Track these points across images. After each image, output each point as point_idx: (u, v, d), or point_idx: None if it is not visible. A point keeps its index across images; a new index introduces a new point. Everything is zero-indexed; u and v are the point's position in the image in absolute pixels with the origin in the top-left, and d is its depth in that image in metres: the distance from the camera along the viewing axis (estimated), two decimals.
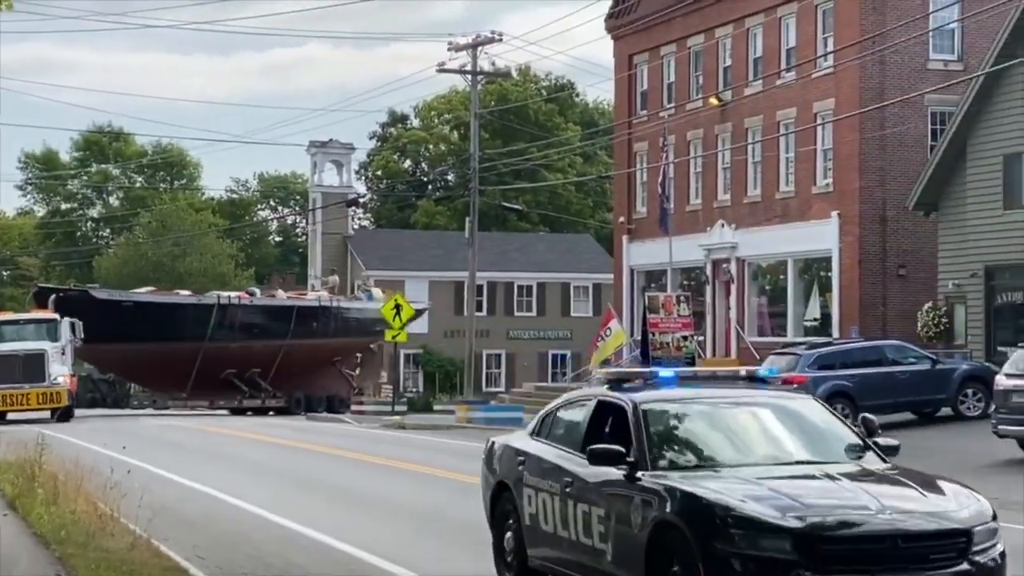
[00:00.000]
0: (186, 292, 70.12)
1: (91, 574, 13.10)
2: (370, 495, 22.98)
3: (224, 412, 61.86)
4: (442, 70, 59.39)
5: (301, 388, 65.00)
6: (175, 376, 61.26)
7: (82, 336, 51.69)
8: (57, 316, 51.76)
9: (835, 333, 43.66)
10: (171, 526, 17.36)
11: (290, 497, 22.49)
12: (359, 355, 71.26)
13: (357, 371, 71.45)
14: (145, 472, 25.00)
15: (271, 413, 62.19)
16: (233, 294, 68.89)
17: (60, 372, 49.06)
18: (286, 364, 64.36)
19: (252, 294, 69.21)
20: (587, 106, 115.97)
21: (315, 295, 71.55)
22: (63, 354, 50.08)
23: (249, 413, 61.55)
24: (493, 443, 14.84)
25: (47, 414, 48.50)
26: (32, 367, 48.46)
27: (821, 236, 45.26)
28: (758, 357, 42.96)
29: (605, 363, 50.32)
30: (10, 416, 47.98)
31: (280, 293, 71.18)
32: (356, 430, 45.60)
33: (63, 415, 48.36)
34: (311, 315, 66.72)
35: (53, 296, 56.45)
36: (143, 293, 66.45)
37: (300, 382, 65.08)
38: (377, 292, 70.14)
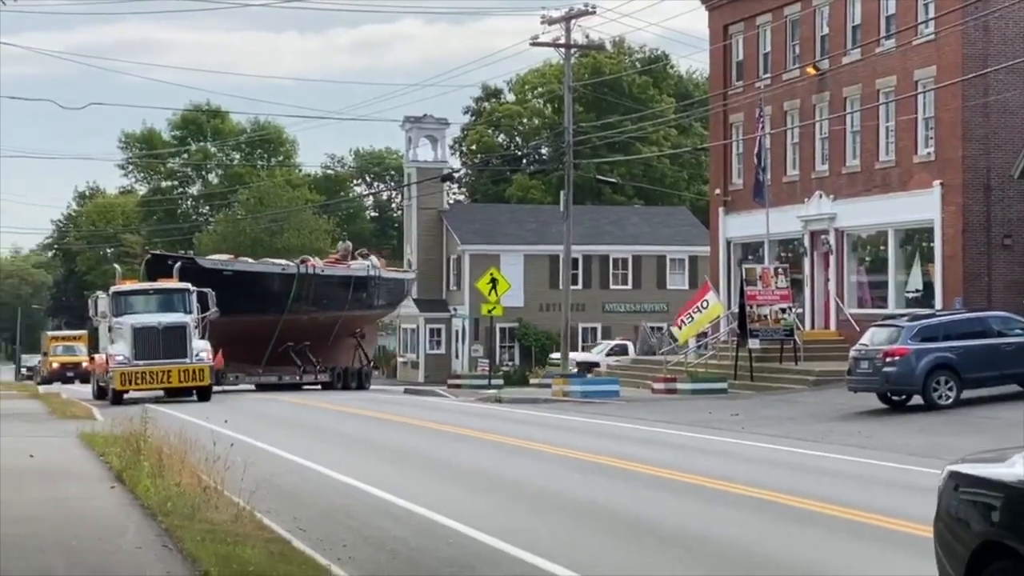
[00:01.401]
0: (272, 261, 65.05)
1: (197, 546, 13.22)
2: (468, 468, 23.01)
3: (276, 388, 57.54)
4: (535, 44, 59.25)
5: (340, 361, 61.58)
6: (255, 349, 56.69)
7: (216, 308, 47.56)
8: (189, 285, 47.58)
9: (937, 304, 43.07)
10: (273, 498, 17.50)
11: (388, 470, 22.60)
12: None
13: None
14: (246, 445, 25.25)
15: (318, 387, 58.66)
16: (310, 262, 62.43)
17: (202, 347, 45.24)
18: (337, 336, 61.31)
19: (304, 261, 63.09)
20: (681, 77, 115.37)
21: (363, 263, 65.67)
22: (198, 327, 46.29)
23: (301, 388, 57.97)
24: (959, 473, 8.92)
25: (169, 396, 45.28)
26: (173, 341, 44.45)
27: (923, 206, 44.64)
28: (858, 329, 42.52)
29: (702, 335, 50.16)
30: (131, 395, 44.21)
31: (315, 261, 63.99)
32: (453, 403, 45.77)
33: (204, 394, 44.68)
34: (363, 285, 63.12)
35: (178, 264, 51.52)
36: (237, 261, 60.69)
37: (339, 355, 62.03)
38: (374, 259, 66.62)
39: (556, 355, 65.88)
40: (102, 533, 14.53)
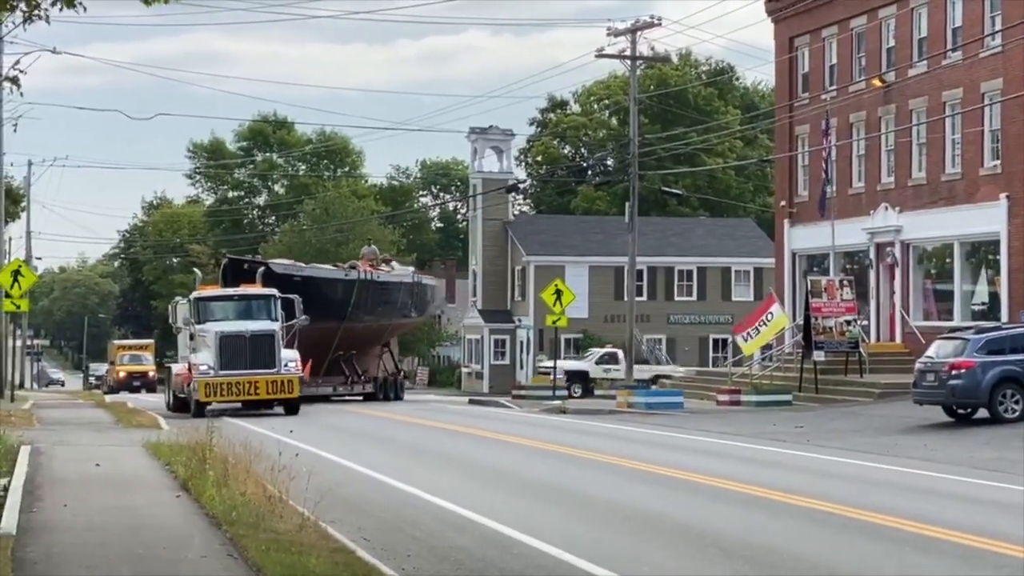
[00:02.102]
0: (330, 266, 60.82)
1: (261, 555, 13.34)
2: (533, 479, 23.01)
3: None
4: (601, 55, 59.25)
5: (371, 371, 58.15)
6: (316, 359, 50.47)
7: (304, 316, 44.57)
8: (275, 291, 44.51)
9: (1003, 317, 42.75)
10: (337, 508, 17.60)
11: (452, 480, 22.66)
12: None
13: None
14: (311, 455, 25.40)
15: (360, 399, 55.54)
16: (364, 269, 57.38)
17: (290, 357, 42.26)
18: (377, 344, 58.56)
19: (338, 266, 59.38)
20: (747, 89, 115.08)
21: (406, 270, 62.67)
22: (285, 336, 43.44)
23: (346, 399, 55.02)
24: None
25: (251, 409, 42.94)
26: (260, 350, 41.72)
27: (989, 218, 44.35)
28: (923, 342, 42.27)
29: (767, 348, 49.97)
30: (214, 406, 42.25)
31: (368, 266, 58.48)
32: (517, 414, 45.83)
33: (291, 408, 41.88)
34: (409, 292, 59.47)
35: (261, 269, 49.08)
36: (307, 267, 57.42)
37: (370, 364, 58.61)
38: (396, 265, 63.36)
39: (548, 363, 65.20)
40: (168, 542, 14.68)
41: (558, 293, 53.81)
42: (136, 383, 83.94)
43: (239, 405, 42.96)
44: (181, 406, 43.95)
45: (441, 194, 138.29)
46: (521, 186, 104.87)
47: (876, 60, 50.35)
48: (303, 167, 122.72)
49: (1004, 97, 43.25)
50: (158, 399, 60.56)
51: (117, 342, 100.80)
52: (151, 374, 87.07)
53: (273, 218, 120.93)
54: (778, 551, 15.22)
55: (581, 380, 63.15)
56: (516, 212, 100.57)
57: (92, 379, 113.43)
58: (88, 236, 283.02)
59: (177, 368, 45.83)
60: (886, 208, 49.43)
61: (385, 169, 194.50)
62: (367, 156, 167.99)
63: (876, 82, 49.29)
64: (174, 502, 18.19)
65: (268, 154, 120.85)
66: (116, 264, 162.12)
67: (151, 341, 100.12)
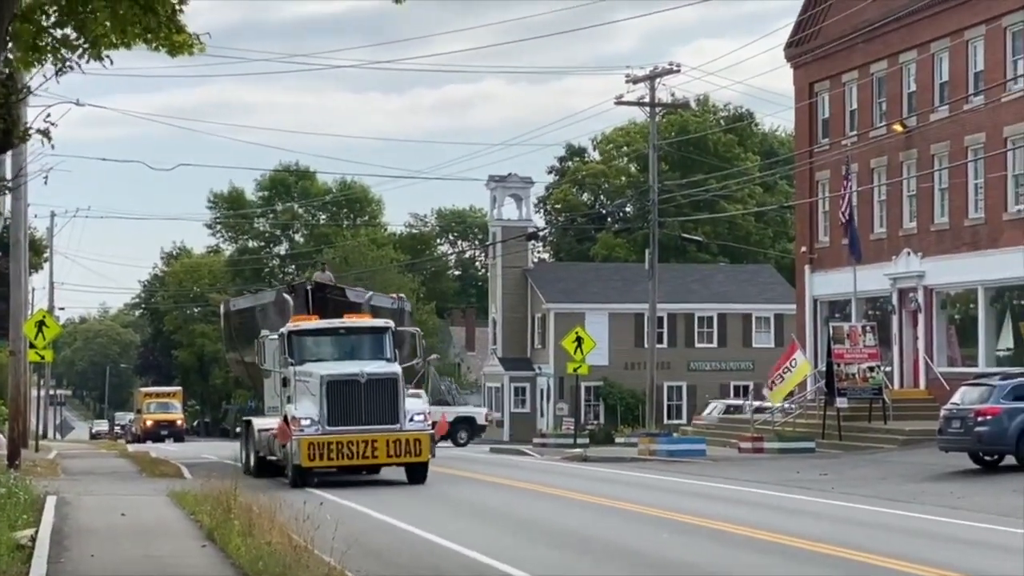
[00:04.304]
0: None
1: None
2: (555, 527, 22.92)
3: None
4: (620, 102, 59.38)
5: None
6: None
7: (436, 354, 37.53)
8: (390, 323, 35.38)
9: None
10: (362, 557, 17.53)
11: (475, 528, 22.60)
12: None
13: None
14: (334, 504, 25.34)
15: None
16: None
17: (417, 408, 33.24)
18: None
19: (324, 268, 48.24)
20: (765, 135, 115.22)
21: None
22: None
23: None
24: None
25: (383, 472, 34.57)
26: (379, 399, 32.22)
27: (1013, 263, 44.19)
28: (948, 388, 42.08)
29: (789, 395, 49.77)
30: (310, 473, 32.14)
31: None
32: (539, 463, 45.68)
33: (416, 475, 32.61)
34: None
35: (369, 295, 40.53)
36: (376, 294, 45.46)
37: None
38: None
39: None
40: None
41: (579, 340, 53.67)
42: (164, 432, 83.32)
43: (334, 469, 33.32)
44: (268, 470, 34.82)
45: (459, 242, 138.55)
46: (541, 233, 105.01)
47: (897, 105, 50.35)
48: (323, 216, 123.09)
49: None
50: (182, 448, 60.55)
51: (144, 389, 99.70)
52: (179, 423, 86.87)
53: (293, 267, 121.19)
54: None
55: (468, 426, 63.46)
56: (535, 260, 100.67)
57: (117, 428, 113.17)
58: (109, 286, 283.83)
59: (263, 422, 36.02)
60: (908, 253, 49.32)
61: (403, 217, 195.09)
62: (385, 205, 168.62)
63: (897, 127, 49.28)
64: (200, 552, 18.16)
65: (288, 203, 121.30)
66: (137, 314, 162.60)
67: (179, 388, 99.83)
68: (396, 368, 32.92)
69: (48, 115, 15.87)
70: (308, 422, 31.79)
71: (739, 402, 70.50)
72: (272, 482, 31.90)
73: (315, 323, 35.01)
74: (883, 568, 17.31)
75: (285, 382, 33.97)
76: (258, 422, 36.30)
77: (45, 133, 16.18)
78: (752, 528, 21.84)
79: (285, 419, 32.41)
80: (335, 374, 32.20)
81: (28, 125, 16.42)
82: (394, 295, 49.35)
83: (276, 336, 35.19)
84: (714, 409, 67.59)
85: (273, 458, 34.21)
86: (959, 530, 22.35)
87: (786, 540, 20.27)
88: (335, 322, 35.04)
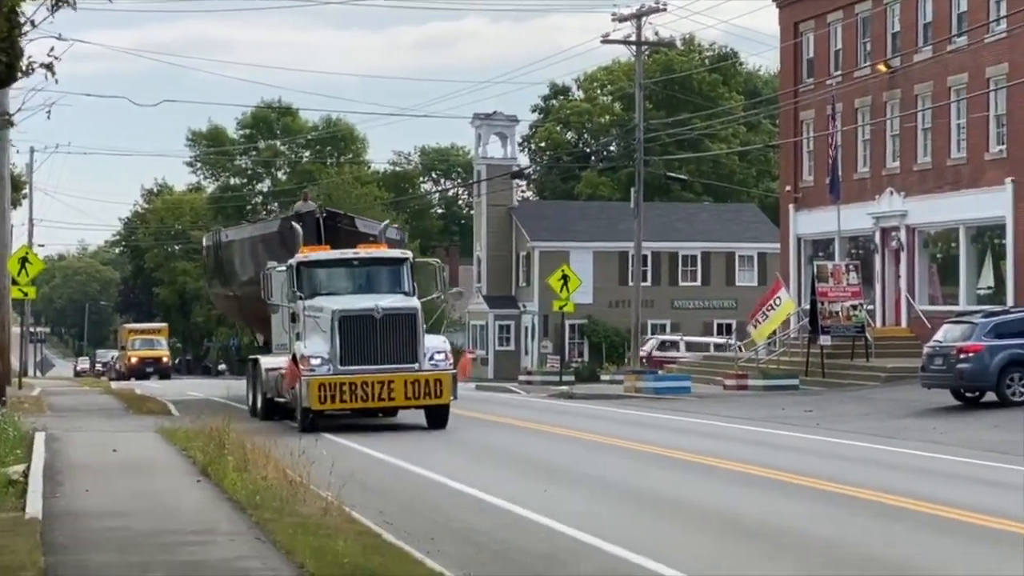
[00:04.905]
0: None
1: (289, 538, 13.50)
2: (548, 463, 23.16)
3: None
4: (606, 41, 59.24)
5: None
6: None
7: (448, 288, 36.10)
8: (408, 254, 33.17)
9: (1010, 301, 42.91)
10: (358, 493, 17.71)
11: (468, 464, 22.85)
12: None
13: None
14: (329, 441, 25.59)
15: None
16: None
17: (437, 346, 30.73)
18: None
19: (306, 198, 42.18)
20: (749, 75, 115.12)
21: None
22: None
23: None
24: None
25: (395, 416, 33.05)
26: (397, 337, 29.82)
27: (994, 203, 44.49)
28: (929, 326, 42.49)
29: (772, 333, 50.11)
30: (322, 414, 30.11)
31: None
32: (525, 400, 46.00)
33: (437, 418, 30.55)
34: None
35: (386, 223, 37.70)
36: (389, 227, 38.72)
37: None
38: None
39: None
40: (194, 526, 14.81)
41: (565, 278, 53.87)
42: (149, 369, 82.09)
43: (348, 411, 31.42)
44: (276, 412, 32.84)
45: (442, 180, 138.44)
46: (525, 172, 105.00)
47: (881, 45, 50.43)
48: (307, 154, 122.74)
49: (1009, 82, 43.37)
50: (167, 385, 60.67)
51: (129, 326, 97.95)
52: (165, 359, 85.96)
53: (276, 205, 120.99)
54: (797, 532, 15.43)
55: None
56: (520, 198, 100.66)
57: (99, 366, 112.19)
58: (89, 223, 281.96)
59: (271, 361, 33.53)
60: (891, 193, 49.56)
61: (386, 155, 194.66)
62: (369, 143, 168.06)
63: (881, 67, 49.39)
64: (195, 487, 18.33)
65: (271, 141, 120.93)
66: (117, 251, 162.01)
67: (164, 325, 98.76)
68: (415, 303, 30.67)
69: (52, 49, 15.95)
70: (319, 361, 29.56)
71: (675, 338, 72.06)
72: (279, 425, 31.00)
73: (327, 253, 32.33)
74: (872, 501, 17.61)
75: (294, 318, 31.62)
76: (265, 361, 33.89)
77: (49, 67, 16.23)
78: (742, 463, 22.15)
79: (294, 358, 30.15)
80: (348, 309, 29.88)
81: (31, 59, 16.43)
82: (396, 226, 46.87)
83: (284, 268, 32.57)
84: (652, 347, 68.74)
85: (282, 400, 32.15)
86: (941, 464, 22.70)
87: (775, 475, 20.56)
88: (349, 252, 32.16)
